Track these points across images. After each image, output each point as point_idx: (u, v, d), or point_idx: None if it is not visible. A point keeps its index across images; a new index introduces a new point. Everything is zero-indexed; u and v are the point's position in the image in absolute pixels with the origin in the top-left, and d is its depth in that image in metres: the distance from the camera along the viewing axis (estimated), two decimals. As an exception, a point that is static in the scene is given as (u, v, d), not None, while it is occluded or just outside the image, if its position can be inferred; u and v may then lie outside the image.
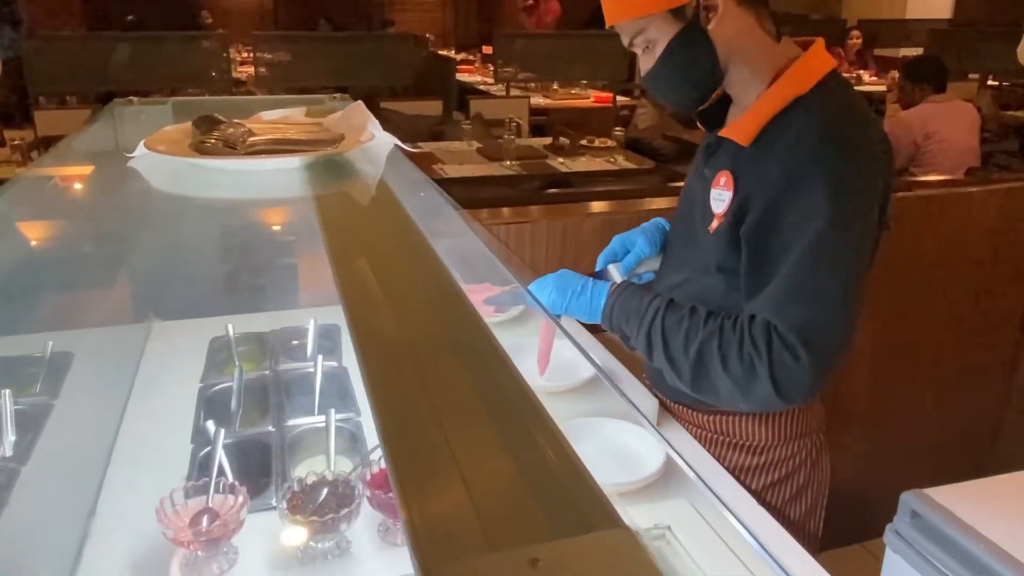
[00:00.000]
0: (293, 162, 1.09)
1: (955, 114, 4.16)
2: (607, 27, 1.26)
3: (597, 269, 1.57)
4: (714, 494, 0.55)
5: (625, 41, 1.27)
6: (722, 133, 1.26)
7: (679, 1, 1.18)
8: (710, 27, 1.20)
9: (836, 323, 1.19)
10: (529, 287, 1.44)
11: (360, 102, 1.29)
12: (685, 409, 1.45)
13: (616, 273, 1.54)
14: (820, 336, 1.17)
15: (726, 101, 1.33)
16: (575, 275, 1.40)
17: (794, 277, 1.16)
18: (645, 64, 1.26)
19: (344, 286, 0.64)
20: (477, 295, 1.66)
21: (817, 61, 1.23)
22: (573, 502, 0.38)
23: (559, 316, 1.42)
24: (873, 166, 1.20)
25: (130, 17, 7.29)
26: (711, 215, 1.28)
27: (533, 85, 6.60)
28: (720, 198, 1.26)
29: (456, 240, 1.02)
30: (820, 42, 1.27)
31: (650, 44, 1.24)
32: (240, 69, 6.65)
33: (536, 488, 0.40)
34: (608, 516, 0.37)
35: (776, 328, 1.17)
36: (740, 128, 1.23)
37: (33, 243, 1.31)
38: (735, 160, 1.24)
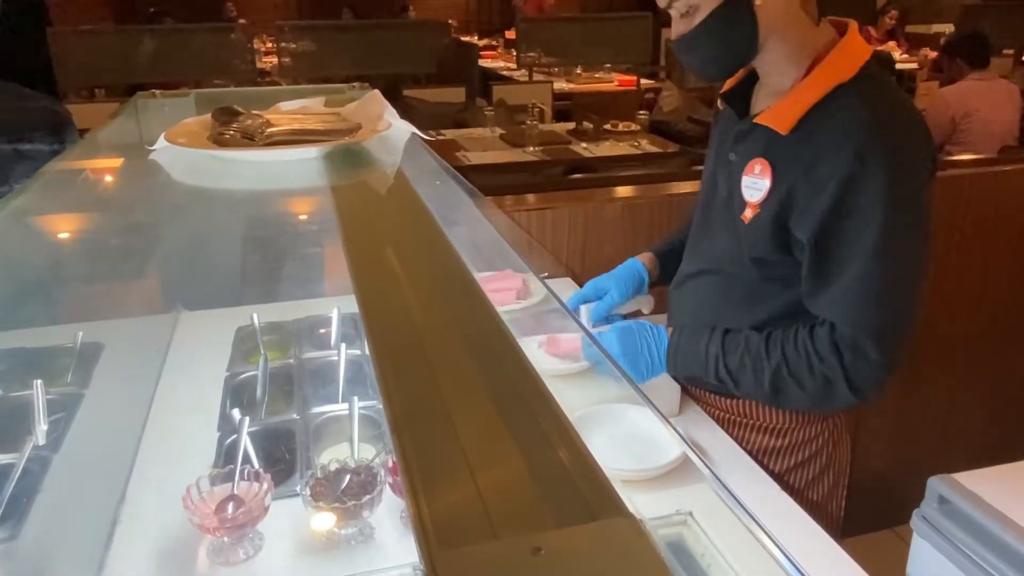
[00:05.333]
0: (311, 152, 1.10)
1: (995, 92, 4.03)
2: None
3: (571, 307, 1.59)
4: (727, 490, 0.55)
5: (662, 2, 1.22)
6: (758, 120, 1.22)
7: None
8: (758, 2, 1.16)
9: (906, 319, 1.20)
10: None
11: (377, 91, 1.29)
12: (707, 394, 1.45)
13: (586, 315, 1.57)
14: (891, 335, 1.18)
15: (751, 81, 1.30)
16: (635, 334, 1.39)
17: (863, 281, 1.16)
18: (680, 28, 1.21)
19: (357, 275, 0.64)
20: (494, 284, 1.67)
21: (857, 47, 1.20)
22: (578, 491, 0.38)
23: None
24: (922, 153, 1.18)
25: (152, 9, 7.37)
26: (743, 203, 1.25)
27: (556, 70, 6.56)
28: (756, 187, 1.23)
29: (471, 228, 1.02)
30: (855, 26, 1.23)
31: (691, 9, 1.18)
32: (264, 59, 6.69)
33: (542, 477, 0.40)
34: (613, 504, 0.37)
35: (842, 334, 1.18)
36: (779, 115, 1.19)
37: (62, 236, 1.34)
38: (771, 148, 1.21)
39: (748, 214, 1.24)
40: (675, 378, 1.49)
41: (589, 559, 0.34)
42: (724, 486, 0.54)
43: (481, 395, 0.47)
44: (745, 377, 1.27)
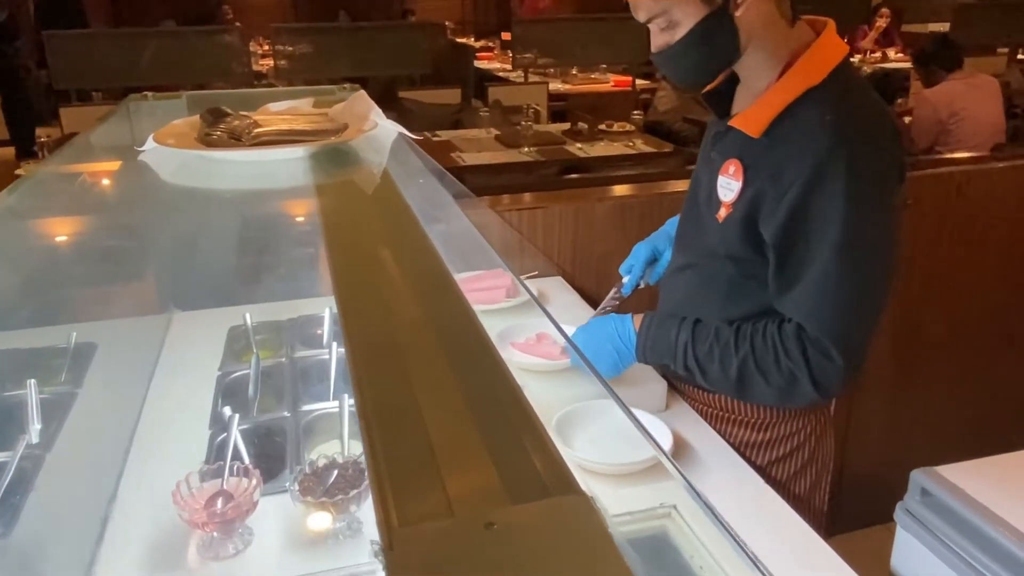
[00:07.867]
0: (297, 152, 1.11)
1: (980, 89, 4.04)
2: None
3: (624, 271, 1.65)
4: (695, 491, 0.57)
5: (641, 18, 1.23)
6: (732, 123, 1.25)
7: None
8: (738, 13, 1.17)
9: (867, 320, 1.22)
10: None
11: (363, 91, 1.31)
12: (692, 388, 1.47)
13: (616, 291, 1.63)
14: (853, 335, 1.20)
15: (733, 81, 1.32)
16: (597, 330, 1.41)
17: (823, 282, 1.18)
18: (660, 41, 1.22)
19: (336, 272, 0.66)
20: (483, 282, 1.68)
21: (830, 49, 1.21)
22: (534, 470, 0.40)
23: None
24: (888, 157, 1.20)
25: (147, 22, 7.38)
26: (717, 202, 1.27)
27: (552, 71, 6.57)
28: (728, 187, 1.25)
29: (454, 227, 1.03)
30: (832, 26, 1.24)
31: (671, 24, 1.19)
32: (261, 62, 6.70)
33: (500, 457, 0.41)
34: (565, 482, 0.38)
35: (808, 333, 1.20)
36: (751, 119, 1.21)
37: (54, 237, 1.35)
38: (744, 149, 1.23)
39: (722, 213, 1.26)
40: (663, 375, 1.51)
41: (540, 533, 0.36)
42: (693, 488, 0.56)
43: (448, 384, 0.49)
44: (712, 367, 1.28)
